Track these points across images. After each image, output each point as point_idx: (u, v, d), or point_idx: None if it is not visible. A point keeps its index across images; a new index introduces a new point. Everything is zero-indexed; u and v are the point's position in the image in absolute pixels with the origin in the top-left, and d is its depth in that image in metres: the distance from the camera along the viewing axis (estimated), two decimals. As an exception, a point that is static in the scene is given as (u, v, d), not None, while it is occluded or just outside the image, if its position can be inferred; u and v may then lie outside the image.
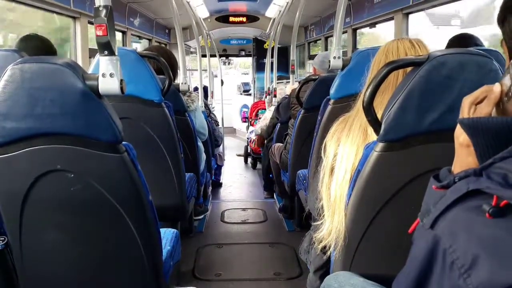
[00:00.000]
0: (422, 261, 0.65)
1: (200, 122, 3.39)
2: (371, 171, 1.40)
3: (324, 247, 1.60)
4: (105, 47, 1.41)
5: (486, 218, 0.58)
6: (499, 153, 0.63)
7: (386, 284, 1.38)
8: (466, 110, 0.84)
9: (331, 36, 2.76)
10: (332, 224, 1.53)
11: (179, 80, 3.19)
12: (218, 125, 5.41)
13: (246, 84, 11.00)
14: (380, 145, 1.38)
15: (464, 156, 0.80)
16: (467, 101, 0.85)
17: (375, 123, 1.38)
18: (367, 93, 1.36)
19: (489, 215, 0.58)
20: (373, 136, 1.43)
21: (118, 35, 5.46)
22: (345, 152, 1.53)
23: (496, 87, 0.81)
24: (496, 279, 0.53)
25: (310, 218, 2.38)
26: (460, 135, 0.80)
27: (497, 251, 0.55)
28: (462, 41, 2.50)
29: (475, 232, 0.59)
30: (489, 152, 0.65)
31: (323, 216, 1.60)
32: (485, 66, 1.28)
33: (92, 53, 4.06)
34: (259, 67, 9.57)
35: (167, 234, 2.09)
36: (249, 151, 6.77)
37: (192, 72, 8.81)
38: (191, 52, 9.50)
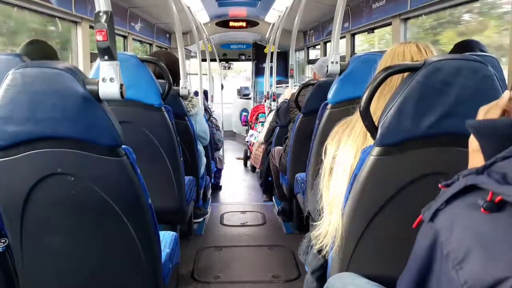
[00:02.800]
0: (423, 255, 0.66)
1: (201, 127, 3.40)
2: (367, 175, 1.41)
3: (321, 248, 1.61)
4: (106, 52, 1.42)
5: (481, 212, 0.60)
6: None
7: (385, 286, 1.40)
8: (480, 117, 0.87)
9: (330, 41, 2.78)
10: (329, 223, 1.54)
11: (180, 84, 3.21)
12: (218, 129, 5.42)
13: (246, 88, 11.04)
14: (376, 149, 1.39)
15: (476, 160, 0.81)
16: (483, 110, 0.88)
17: (371, 127, 1.39)
18: (364, 98, 1.37)
19: (483, 209, 0.59)
20: (372, 140, 1.44)
21: (119, 40, 5.48)
22: (345, 153, 1.54)
23: (506, 94, 0.84)
24: (486, 273, 0.55)
25: (309, 220, 2.40)
26: (473, 141, 0.82)
27: (489, 245, 0.57)
28: (466, 46, 2.52)
29: (469, 226, 0.60)
30: (494, 152, 0.66)
31: (322, 216, 1.62)
32: (480, 71, 1.30)
33: (93, 58, 4.08)
34: (259, 72, 9.61)
35: (167, 237, 2.10)
36: (248, 154, 6.78)
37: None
38: (192, 57, 9.53)
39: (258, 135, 5.64)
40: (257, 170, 6.19)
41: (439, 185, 0.72)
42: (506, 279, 0.52)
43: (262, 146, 5.30)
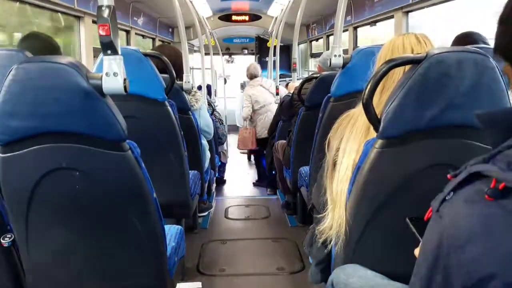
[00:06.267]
0: (432, 248, 0.66)
1: (205, 121, 3.41)
2: (370, 167, 1.41)
3: (326, 240, 1.62)
4: (108, 46, 1.41)
5: (485, 199, 0.60)
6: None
7: (388, 277, 1.40)
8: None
9: (333, 34, 2.77)
10: (333, 218, 1.55)
11: (183, 79, 3.21)
12: (222, 123, 5.44)
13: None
14: (379, 142, 1.39)
15: None
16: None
17: (374, 120, 1.39)
18: (366, 90, 1.37)
19: (487, 196, 0.60)
20: (375, 133, 1.44)
21: (122, 34, 5.48)
22: (347, 148, 1.54)
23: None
24: (487, 256, 0.56)
25: (313, 212, 2.40)
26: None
27: (490, 229, 0.57)
28: (467, 38, 2.51)
29: (473, 213, 0.61)
30: (501, 141, 0.67)
31: (326, 209, 1.62)
32: (482, 63, 1.30)
33: (96, 53, 4.08)
34: (262, 65, 9.58)
35: (172, 231, 2.11)
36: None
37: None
38: (194, 51, 9.53)
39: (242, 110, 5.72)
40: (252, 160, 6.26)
41: (448, 176, 0.72)
42: (505, 269, 0.53)
43: (249, 128, 5.56)
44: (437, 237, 0.66)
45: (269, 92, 5.60)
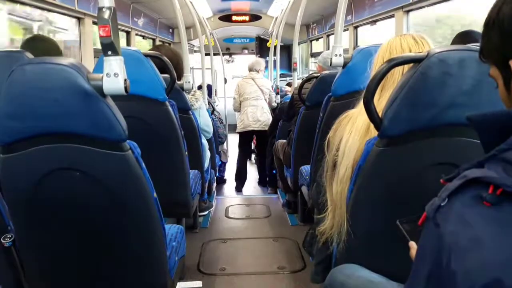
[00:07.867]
0: (430, 254, 0.66)
1: (204, 120, 3.41)
2: (372, 166, 1.41)
3: (327, 240, 1.62)
4: (109, 47, 1.41)
5: (484, 205, 0.60)
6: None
7: (389, 278, 1.40)
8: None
9: (333, 34, 2.78)
10: (334, 218, 1.55)
11: (184, 78, 3.22)
12: (222, 122, 5.44)
13: None
14: (380, 141, 1.39)
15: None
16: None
17: (376, 119, 1.39)
18: (367, 90, 1.37)
19: (486, 202, 0.60)
20: (375, 133, 1.44)
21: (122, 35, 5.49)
22: (347, 148, 1.54)
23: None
24: (491, 261, 0.56)
25: (313, 211, 2.40)
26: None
27: (492, 235, 0.57)
28: (467, 37, 2.51)
29: (473, 218, 0.61)
30: (494, 145, 0.66)
31: (326, 209, 1.62)
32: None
33: (97, 54, 4.09)
34: None
35: (172, 230, 2.11)
36: (252, 148, 6.79)
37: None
38: (195, 51, 9.53)
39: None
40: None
41: (441, 180, 0.72)
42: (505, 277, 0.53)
43: None
44: (435, 245, 0.65)
45: (259, 90, 5.54)
